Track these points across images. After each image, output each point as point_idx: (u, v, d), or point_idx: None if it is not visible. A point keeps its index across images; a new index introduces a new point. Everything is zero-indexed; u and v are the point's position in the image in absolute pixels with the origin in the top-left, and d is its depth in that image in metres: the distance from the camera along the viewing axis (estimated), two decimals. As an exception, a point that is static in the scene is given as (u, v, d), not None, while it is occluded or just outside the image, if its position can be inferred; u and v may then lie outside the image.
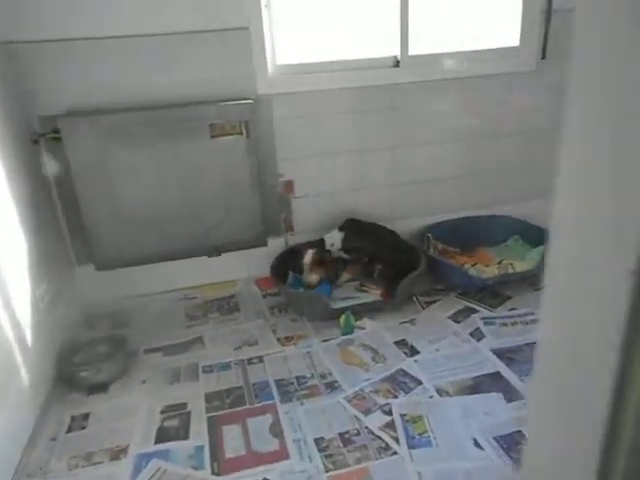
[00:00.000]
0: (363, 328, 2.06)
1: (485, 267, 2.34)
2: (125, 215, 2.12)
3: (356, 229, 2.36)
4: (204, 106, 2.10)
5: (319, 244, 2.31)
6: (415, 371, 1.78)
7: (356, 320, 2.07)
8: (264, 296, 2.34)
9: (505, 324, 2.02)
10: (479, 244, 2.60)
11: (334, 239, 2.31)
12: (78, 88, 2.03)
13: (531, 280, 2.29)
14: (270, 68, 2.19)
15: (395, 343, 1.95)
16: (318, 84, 2.27)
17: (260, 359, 1.92)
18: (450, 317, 2.10)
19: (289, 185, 2.35)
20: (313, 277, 2.23)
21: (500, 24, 2.51)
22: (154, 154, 2.08)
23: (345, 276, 2.35)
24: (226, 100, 2.11)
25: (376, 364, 1.84)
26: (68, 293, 2.12)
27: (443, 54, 2.40)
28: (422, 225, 2.60)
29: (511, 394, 1.64)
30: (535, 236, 2.48)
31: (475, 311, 2.12)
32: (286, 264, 2.35)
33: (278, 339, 2.03)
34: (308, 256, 2.23)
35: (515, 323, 2.02)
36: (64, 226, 2.19)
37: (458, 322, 2.05)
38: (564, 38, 2.50)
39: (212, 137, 2.13)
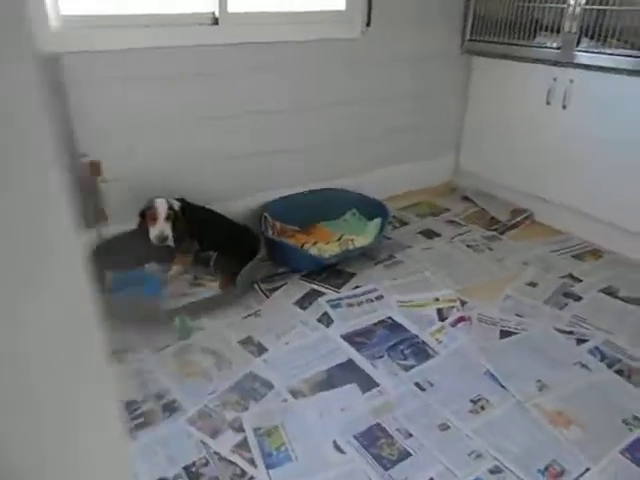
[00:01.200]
0: (202, 329, 1.81)
1: (326, 245, 2.25)
2: None
3: (184, 211, 2.06)
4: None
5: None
6: (265, 373, 1.61)
7: (193, 320, 1.81)
8: (76, 303, 1.93)
9: (351, 304, 1.95)
10: (318, 219, 2.50)
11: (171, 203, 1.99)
12: None
13: (371, 254, 2.27)
14: (53, 20, 1.72)
15: (240, 342, 1.74)
16: (121, 42, 1.87)
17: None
18: (296, 303, 1.96)
19: (95, 166, 1.94)
20: (167, 229, 1.93)
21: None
22: None
23: (175, 269, 2.05)
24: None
25: (220, 371, 1.62)
26: None
27: (268, 13, 2.17)
28: (258, 204, 2.40)
29: (365, 383, 1.57)
30: (371, 209, 2.47)
31: (321, 294, 2.01)
32: (102, 262, 1.96)
33: (98, 357, 1.67)
34: (162, 205, 1.93)
35: (361, 302, 1.96)
36: None
37: (305, 308, 1.93)
38: (388, 6, 2.48)
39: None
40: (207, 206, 2.13)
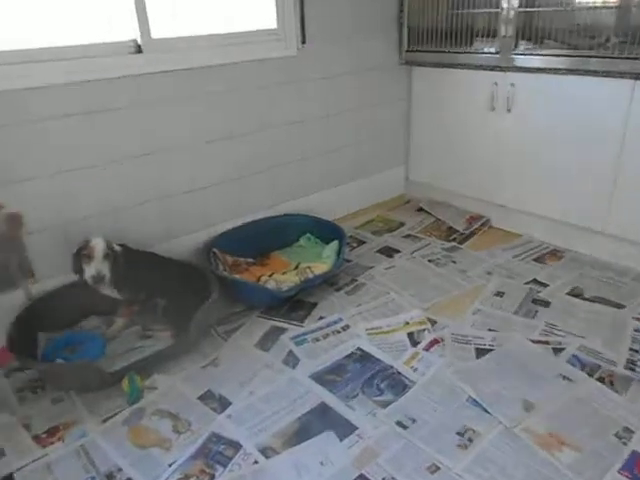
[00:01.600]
0: (155, 388, 1.62)
1: (283, 275, 2.10)
2: None
3: (126, 258, 1.85)
4: None
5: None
6: (230, 431, 1.43)
7: (144, 379, 1.62)
8: (6, 375, 1.69)
9: (317, 339, 1.81)
10: (271, 249, 2.36)
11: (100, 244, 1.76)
12: None
13: (331, 280, 2.15)
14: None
15: (199, 398, 1.56)
16: (37, 79, 1.69)
17: (9, 479, 1.33)
18: (257, 344, 1.80)
19: (14, 219, 1.71)
20: (104, 269, 1.70)
21: (251, 3, 2.24)
22: None
23: (119, 322, 1.85)
24: None
25: (180, 436, 1.43)
26: None
27: (196, 37, 2.03)
28: (205, 239, 2.23)
29: (342, 428, 1.42)
30: (325, 231, 2.36)
31: (283, 330, 1.86)
32: (31, 325, 1.74)
33: (35, 437, 1.45)
34: (99, 243, 1.70)
35: (327, 335, 1.82)
36: None
37: (267, 349, 1.77)
38: (322, 22, 2.39)
39: None
40: (150, 250, 1.95)
